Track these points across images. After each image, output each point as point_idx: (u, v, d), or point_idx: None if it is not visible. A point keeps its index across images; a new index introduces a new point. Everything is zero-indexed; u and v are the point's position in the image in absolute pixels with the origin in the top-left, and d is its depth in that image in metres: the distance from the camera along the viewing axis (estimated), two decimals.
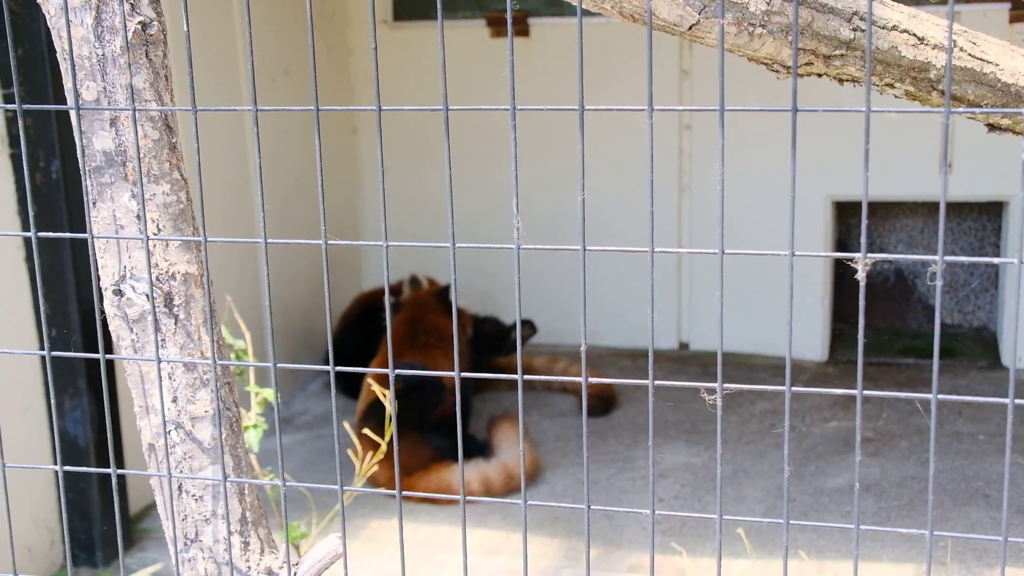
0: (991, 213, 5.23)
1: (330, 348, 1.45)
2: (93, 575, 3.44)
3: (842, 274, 5.19)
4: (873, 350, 5.15)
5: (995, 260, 1.26)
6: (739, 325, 5.09)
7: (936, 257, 1.30)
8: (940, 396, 1.32)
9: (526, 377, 1.41)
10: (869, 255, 1.32)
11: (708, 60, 4.90)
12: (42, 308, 1.75)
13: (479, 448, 4.11)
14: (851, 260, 1.43)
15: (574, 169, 5.09)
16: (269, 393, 2.73)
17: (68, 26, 1.49)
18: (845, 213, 5.29)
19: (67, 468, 1.71)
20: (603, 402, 4.55)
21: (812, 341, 5.07)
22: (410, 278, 4.96)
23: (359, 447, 3.00)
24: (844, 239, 5.36)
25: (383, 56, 5.23)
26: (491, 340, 4.74)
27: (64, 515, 1.55)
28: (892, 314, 5.49)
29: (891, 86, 2.34)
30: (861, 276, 1.34)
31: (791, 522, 1.37)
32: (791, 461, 3.96)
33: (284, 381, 4.77)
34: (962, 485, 3.74)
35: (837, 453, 4.01)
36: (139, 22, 1.50)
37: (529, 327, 4.74)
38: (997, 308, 5.30)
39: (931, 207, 5.26)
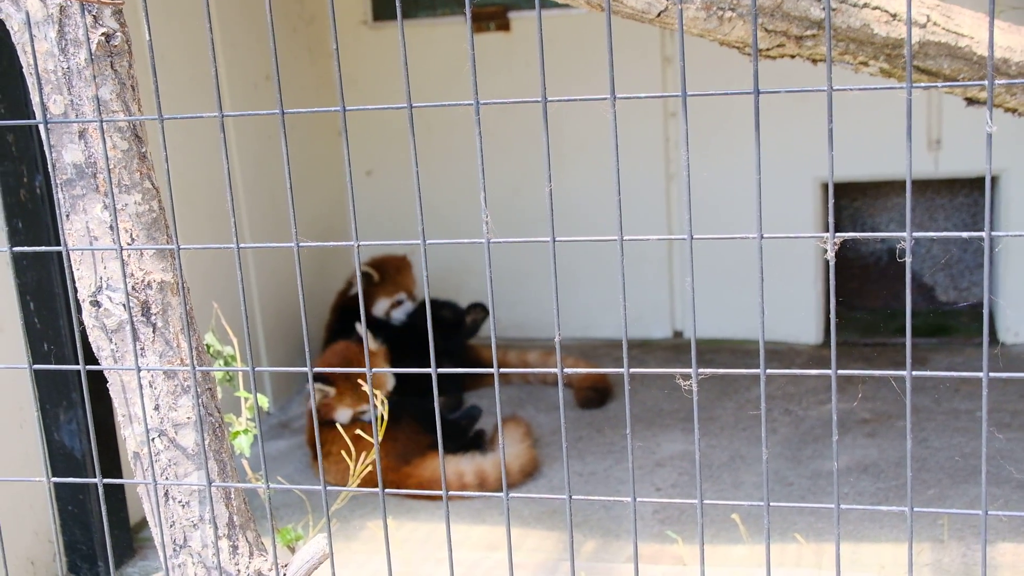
0: (984, 188, 5.23)
1: (307, 351, 1.45)
2: None
3: (835, 256, 5.19)
4: (869, 330, 5.15)
5: (964, 235, 1.26)
6: (733, 311, 5.09)
7: (905, 234, 1.30)
8: (914, 373, 1.32)
9: (503, 370, 1.42)
10: (837, 235, 1.33)
11: (691, 46, 4.88)
12: (20, 322, 1.75)
13: (477, 441, 4.11)
14: (822, 240, 1.43)
15: (561, 159, 5.08)
16: (261, 399, 2.73)
17: (32, 41, 1.49)
18: (835, 194, 5.29)
19: (56, 480, 1.71)
20: (599, 394, 4.55)
21: (807, 324, 5.06)
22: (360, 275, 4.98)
23: (351, 447, 3.00)
24: (834, 219, 5.36)
25: (364, 57, 5.23)
26: (449, 325, 4.77)
27: (56, 526, 1.56)
28: (887, 293, 5.49)
29: (865, 64, 2.33)
30: (830, 256, 1.34)
31: (772, 504, 1.37)
32: (788, 444, 3.96)
33: (280, 385, 4.77)
34: (960, 462, 3.74)
35: None
36: (102, 34, 1.50)
37: (481, 309, 4.81)
38: (993, 283, 5.30)
39: (921, 185, 5.25)
